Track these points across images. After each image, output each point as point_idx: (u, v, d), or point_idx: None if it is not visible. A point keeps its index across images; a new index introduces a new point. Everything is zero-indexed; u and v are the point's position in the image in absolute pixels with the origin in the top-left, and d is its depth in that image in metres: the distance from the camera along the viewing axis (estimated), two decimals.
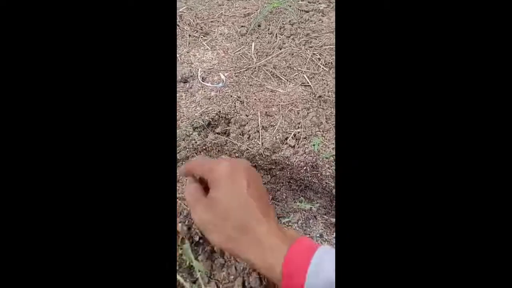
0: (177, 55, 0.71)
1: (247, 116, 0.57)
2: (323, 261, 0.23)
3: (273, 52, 0.66)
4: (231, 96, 0.59)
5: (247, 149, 0.53)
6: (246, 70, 0.64)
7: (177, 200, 0.48)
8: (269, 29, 0.71)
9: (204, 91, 0.60)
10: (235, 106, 0.58)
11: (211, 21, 0.76)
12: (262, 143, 0.54)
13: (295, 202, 0.46)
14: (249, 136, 0.55)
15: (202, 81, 0.62)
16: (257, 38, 0.70)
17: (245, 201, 0.26)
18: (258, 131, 0.55)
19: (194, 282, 0.42)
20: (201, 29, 0.74)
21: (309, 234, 0.43)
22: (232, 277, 0.41)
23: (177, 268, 0.42)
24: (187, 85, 0.63)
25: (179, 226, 0.45)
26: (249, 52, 0.67)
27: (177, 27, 0.77)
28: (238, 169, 0.27)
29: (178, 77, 0.64)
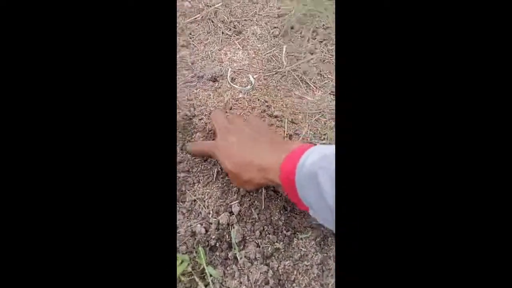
0: (209, 53, 0.71)
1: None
2: (313, 152, 0.31)
3: (304, 57, 0.64)
4: (258, 99, 0.58)
5: None
6: (275, 73, 0.62)
7: (196, 200, 0.48)
8: (301, 32, 0.69)
9: (233, 92, 0.60)
10: (262, 111, 0.57)
11: (245, 20, 0.75)
12: None
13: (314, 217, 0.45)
14: None
15: (231, 82, 0.62)
16: (289, 40, 0.68)
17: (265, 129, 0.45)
18: (283, 138, 0.54)
19: (206, 286, 0.42)
20: (235, 27, 0.73)
21: (327, 253, 0.41)
22: (244, 287, 0.41)
23: (191, 270, 0.42)
24: (216, 84, 0.63)
25: (198, 227, 0.45)
26: (280, 55, 0.65)
27: (211, 23, 0.77)
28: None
29: (208, 75, 0.64)
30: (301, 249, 0.42)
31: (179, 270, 0.40)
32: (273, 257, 0.42)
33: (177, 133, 0.58)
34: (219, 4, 0.80)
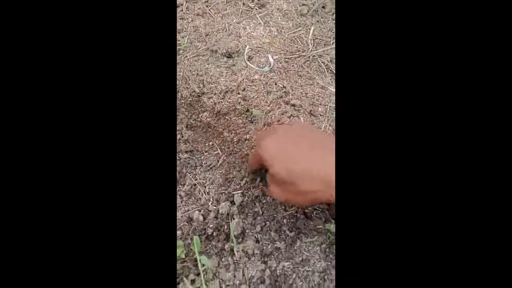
0: (226, 25, 0.65)
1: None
2: None
3: (333, 43, 0.59)
4: (276, 84, 0.54)
5: None
6: (298, 57, 0.58)
7: (197, 185, 0.46)
8: (333, 13, 0.63)
9: (248, 72, 0.55)
10: (278, 97, 0.53)
11: None
12: None
13: (323, 221, 0.43)
14: None
15: (248, 60, 0.57)
16: (317, 22, 0.63)
17: None
18: None
19: (197, 275, 0.41)
20: None
21: (331, 262, 0.39)
22: (237, 281, 0.39)
23: (184, 257, 0.41)
24: (231, 61, 0.58)
25: (195, 214, 0.43)
26: (306, 37, 0.60)
27: None
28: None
29: (223, 50, 0.59)
30: (303, 253, 0.40)
31: None
32: (272, 256, 0.41)
33: (183, 110, 0.55)
34: None
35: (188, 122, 0.54)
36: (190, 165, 0.49)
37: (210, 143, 0.55)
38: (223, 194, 0.45)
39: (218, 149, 0.52)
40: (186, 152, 0.50)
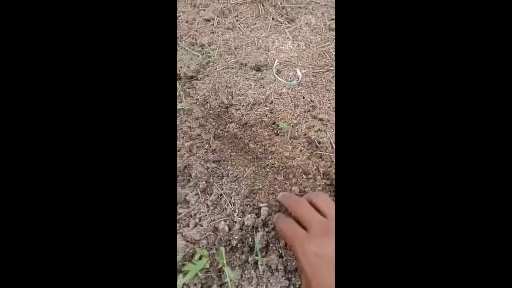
0: (255, 39, 0.68)
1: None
2: None
3: None
4: (303, 97, 0.55)
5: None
6: (326, 71, 0.58)
7: (223, 195, 0.47)
8: None
9: (276, 86, 0.57)
10: (305, 110, 0.53)
11: (299, 7, 0.71)
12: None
13: None
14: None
15: (277, 74, 0.58)
16: None
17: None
18: (331, 145, 0.50)
19: (220, 286, 0.41)
20: (287, 14, 0.69)
21: None
22: None
23: (208, 267, 0.41)
24: (259, 74, 0.60)
25: (221, 224, 0.44)
26: (334, 51, 0.61)
27: (262, 7, 0.73)
28: (331, 230, 0.34)
29: (252, 64, 0.61)
30: None
31: (198, 266, 0.39)
32: (297, 273, 0.40)
33: (211, 120, 0.57)
34: None
35: (216, 132, 0.55)
36: (217, 174, 0.50)
37: (236, 153, 0.57)
38: (248, 205, 0.46)
39: (244, 160, 0.53)
40: (213, 162, 0.51)
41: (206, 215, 0.45)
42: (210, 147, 0.53)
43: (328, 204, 0.37)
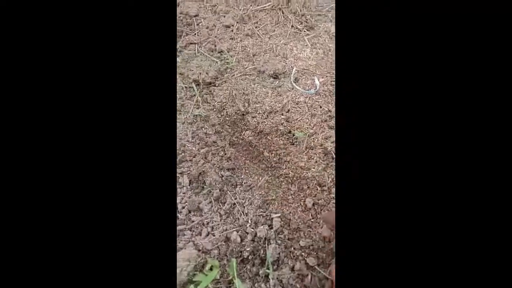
0: (273, 46, 0.67)
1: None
2: None
3: None
4: (321, 107, 0.54)
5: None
6: None
7: (236, 205, 0.47)
8: None
9: (294, 94, 0.56)
10: (322, 120, 0.52)
11: (319, 14, 0.70)
12: None
13: None
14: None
15: (294, 82, 0.58)
16: None
17: None
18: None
19: None
20: (306, 22, 0.69)
21: None
22: None
23: (218, 277, 0.41)
24: (277, 82, 0.59)
25: (233, 234, 0.43)
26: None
27: (281, 13, 0.73)
28: None
29: (270, 71, 0.61)
30: None
31: (209, 278, 0.39)
32: None
33: (227, 127, 0.57)
34: None
35: (231, 140, 0.55)
36: (231, 183, 0.50)
37: (251, 162, 0.56)
38: (261, 216, 0.46)
39: (258, 169, 0.52)
40: (228, 169, 0.51)
41: (218, 224, 0.45)
42: (225, 154, 0.53)
43: None
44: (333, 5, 0.70)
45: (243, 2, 0.76)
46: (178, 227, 0.44)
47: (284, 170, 0.51)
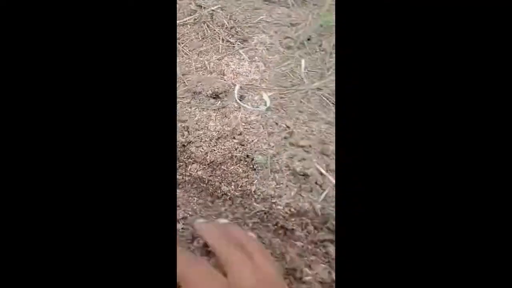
0: (205, 63, 0.60)
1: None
2: None
3: (328, 74, 0.57)
4: (277, 123, 0.48)
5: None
6: (294, 92, 0.53)
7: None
8: (321, 45, 0.62)
9: (242, 113, 0.49)
10: (282, 138, 0.47)
11: (249, 26, 0.67)
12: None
13: None
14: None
15: (240, 100, 0.51)
16: (306, 53, 0.61)
17: None
18: (321, 179, 0.44)
19: None
20: (237, 34, 0.64)
21: None
22: None
23: None
24: (219, 102, 0.52)
25: None
26: (298, 70, 0.57)
27: (206, 27, 0.67)
28: None
29: (208, 91, 0.53)
30: None
31: None
32: None
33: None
34: (216, 6, 0.71)
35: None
36: (186, 238, 0.38)
37: (205, 202, 0.46)
38: None
39: (221, 208, 0.42)
40: (178, 221, 0.39)
41: None
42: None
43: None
44: (263, 16, 0.68)
45: None
46: None
47: (252, 204, 0.42)
